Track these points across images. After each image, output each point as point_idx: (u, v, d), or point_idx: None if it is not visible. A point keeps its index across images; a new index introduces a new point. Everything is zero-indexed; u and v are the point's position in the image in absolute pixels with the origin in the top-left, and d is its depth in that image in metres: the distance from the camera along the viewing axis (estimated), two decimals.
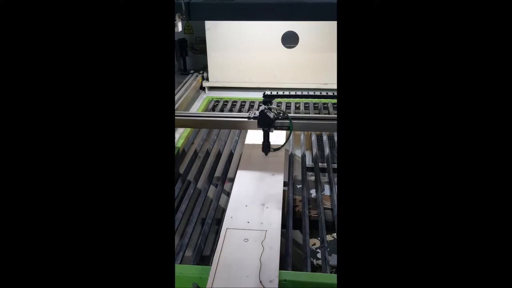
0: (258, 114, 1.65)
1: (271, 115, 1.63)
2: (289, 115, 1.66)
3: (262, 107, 1.65)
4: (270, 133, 1.67)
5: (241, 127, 1.85)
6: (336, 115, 1.62)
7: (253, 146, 1.84)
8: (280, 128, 1.66)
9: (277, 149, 1.73)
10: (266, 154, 1.72)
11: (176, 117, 1.70)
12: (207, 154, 1.90)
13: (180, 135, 2.12)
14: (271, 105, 1.69)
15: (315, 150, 1.96)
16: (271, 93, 1.71)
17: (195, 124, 1.88)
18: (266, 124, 1.64)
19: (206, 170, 1.77)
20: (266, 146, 1.71)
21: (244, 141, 1.94)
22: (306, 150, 2.02)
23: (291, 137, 2.09)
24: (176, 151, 1.86)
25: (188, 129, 2.20)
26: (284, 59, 2.66)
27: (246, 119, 1.70)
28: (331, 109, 2.51)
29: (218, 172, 1.78)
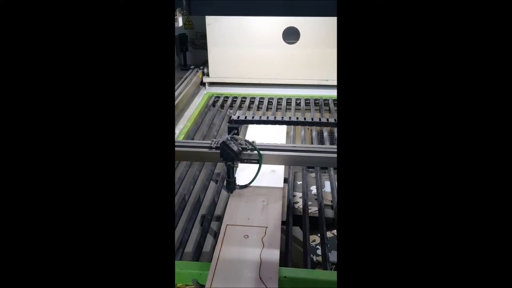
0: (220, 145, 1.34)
1: (236, 147, 1.34)
2: (257, 146, 1.38)
3: (224, 137, 1.36)
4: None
5: (202, 159, 1.57)
6: (316, 145, 1.44)
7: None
8: (248, 161, 1.38)
9: (245, 186, 1.48)
10: (231, 193, 1.45)
11: None
12: None
13: (180, 131, 2.12)
14: (237, 133, 1.39)
15: None
16: (238, 117, 1.41)
17: None
18: (229, 157, 1.35)
19: (206, 166, 1.77)
20: (231, 183, 1.43)
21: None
22: None
23: (291, 133, 2.10)
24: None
25: (188, 125, 2.20)
26: (285, 54, 2.65)
27: (207, 150, 1.42)
28: (332, 105, 2.51)
29: (218, 168, 1.77)
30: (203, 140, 1.99)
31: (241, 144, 1.38)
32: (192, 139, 2.05)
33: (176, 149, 1.43)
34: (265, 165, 1.45)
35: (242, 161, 1.40)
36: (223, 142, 1.34)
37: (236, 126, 1.39)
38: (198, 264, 1.18)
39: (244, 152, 1.38)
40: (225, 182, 1.55)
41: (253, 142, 1.39)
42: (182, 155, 1.48)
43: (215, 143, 1.40)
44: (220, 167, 1.77)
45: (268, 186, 1.50)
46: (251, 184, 1.47)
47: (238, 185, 1.47)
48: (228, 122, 1.41)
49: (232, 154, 1.34)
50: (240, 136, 1.40)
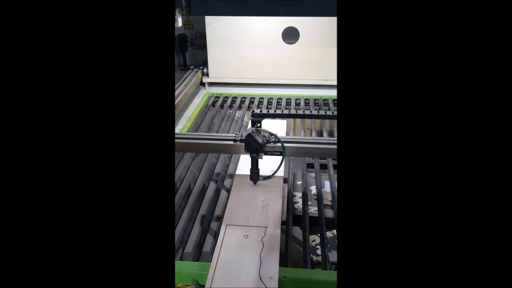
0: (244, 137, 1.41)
1: (260, 139, 1.40)
2: (281, 139, 1.44)
3: (249, 129, 1.42)
4: (260, 159, 1.44)
5: (227, 151, 1.62)
6: (334, 141, 1.48)
7: None
8: (271, 153, 1.44)
9: (268, 177, 1.52)
10: (254, 183, 1.49)
11: None
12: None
13: (180, 131, 2.12)
14: (259, 126, 1.45)
15: None
16: (261, 111, 1.46)
17: (177, 147, 1.56)
18: (254, 149, 1.40)
19: (206, 167, 1.77)
20: (255, 174, 1.47)
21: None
22: None
23: (291, 133, 2.10)
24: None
25: (188, 125, 2.20)
26: (284, 54, 2.65)
27: (232, 142, 1.47)
28: (331, 105, 2.51)
29: (218, 169, 1.77)
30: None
31: (265, 137, 1.42)
32: None
33: (200, 141, 1.50)
34: (266, 165, 1.48)
35: (266, 153, 1.43)
36: (249, 135, 1.38)
37: (258, 120, 1.43)
38: (198, 264, 1.18)
39: (268, 145, 1.42)
40: (224, 182, 1.55)
41: (276, 134, 1.43)
42: (207, 147, 1.53)
43: (239, 136, 1.45)
44: (220, 167, 1.77)
45: (268, 186, 1.50)
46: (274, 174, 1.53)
47: (262, 176, 1.50)
48: (251, 116, 1.45)
49: (257, 145, 1.39)
50: (264, 129, 1.45)
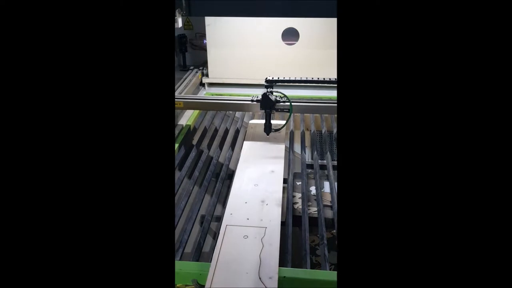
0: (260, 97, 1.79)
1: (273, 98, 1.78)
2: (289, 98, 1.79)
3: (265, 90, 1.80)
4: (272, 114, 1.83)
5: (245, 109, 2.01)
6: (334, 100, 1.76)
7: (254, 142, 1.84)
8: (281, 110, 1.81)
9: (278, 129, 1.86)
10: (267, 134, 1.85)
11: (182, 100, 1.90)
12: (207, 149, 1.90)
13: (180, 131, 2.12)
14: (272, 89, 1.82)
15: (315, 147, 1.96)
16: (272, 78, 1.86)
17: (201, 106, 2.03)
18: (268, 106, 1.78)
19: (206, 167, 1.77)
20: (268, 127, 1.84)
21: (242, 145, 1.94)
22: (306, 147, 2.02)
23: (291, 124, 2.11)
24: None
25: (188, 125, 2.20)
26: (284, 55, 2.65)
27: (250, 102, 1.86)
28: None
29: (218, 169, 1.77)
30: (203, 141, 2.00)
31: (277, 97, 1.80)
32: (193, 139, 2.06)
33: (226, 102, 1.95)
34: (266, 164, 1.52)
35: (277, 110, 1.81)
36: (264, 94, 1.78)
37: (270, 85, 1.82)
38: (198, 264, 1.18)
39: (278, 103, 1.80)
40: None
41: (285, 95, 1.81)
42: (232, 106, 1.95)
43: (256, 97, 1.85)
44: (220, 167, 1.77)
45: (267, 187, 1.50)
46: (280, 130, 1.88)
47: (273, 128, 1.85)
48: (265, 82, 1.82)
49: (270, 103, 1.78)
50: (275, 90, 1.84)
